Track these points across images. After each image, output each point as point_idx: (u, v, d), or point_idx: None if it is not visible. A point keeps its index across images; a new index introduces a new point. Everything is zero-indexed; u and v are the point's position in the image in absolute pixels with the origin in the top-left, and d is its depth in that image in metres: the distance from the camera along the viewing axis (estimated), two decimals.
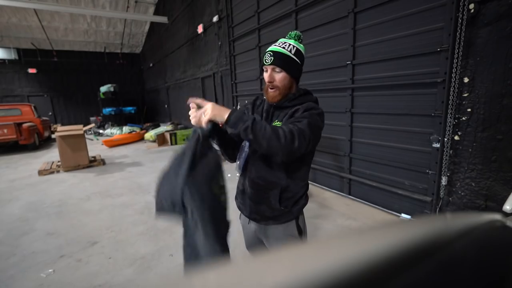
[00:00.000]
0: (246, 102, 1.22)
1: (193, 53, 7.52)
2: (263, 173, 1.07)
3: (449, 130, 2.14)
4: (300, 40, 1.08)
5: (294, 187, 1.09)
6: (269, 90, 1.06)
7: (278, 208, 1.07)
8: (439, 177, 2.26)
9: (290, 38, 1.07)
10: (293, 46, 1.04)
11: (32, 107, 7.91)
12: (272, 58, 1.01)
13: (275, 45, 1.05)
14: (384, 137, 2.72)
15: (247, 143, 1.09)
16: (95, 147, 7.38)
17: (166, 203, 0.85)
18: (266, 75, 1.05)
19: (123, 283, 1.85)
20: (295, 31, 1.08)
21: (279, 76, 1.03)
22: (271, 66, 1.03)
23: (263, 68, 1.06)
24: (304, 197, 1.15)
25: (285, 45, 1.03)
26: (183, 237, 0.89)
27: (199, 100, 0.96)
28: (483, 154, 2.00)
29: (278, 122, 1.06)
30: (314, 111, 1.01)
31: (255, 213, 1.12)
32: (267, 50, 1.04)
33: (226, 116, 0.89)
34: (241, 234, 1.26)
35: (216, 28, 5.88)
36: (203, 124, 0.91)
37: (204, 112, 0.91)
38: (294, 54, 1.03)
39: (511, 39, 1.78)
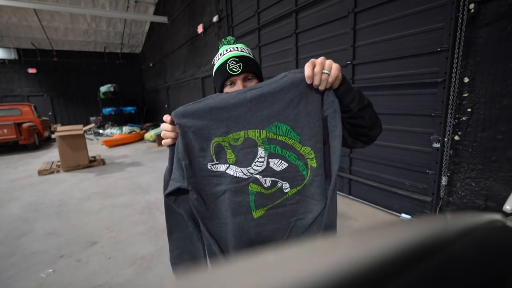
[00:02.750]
0: None
1: (193, 53, 7.53)
2: None
3: (449, 130, 2.14)
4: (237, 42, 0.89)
5: None
6: None
7: None
8: (439, 177, 2.26)
9: (231, 44, 0.86)
10: (246, 49, 0.85)
11: (32, 107, 7.91)
12: (241, 64, 0.78)
13: (231, 51, 0.81)
14: (384, 137, 2.71)
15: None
16: (95, 147, 7.38)
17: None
18: (234, 89, 0.80)
19: (123, 283, 1.85)
20: (230, 37, 0.89)
21: (252, 85, 0.79)
22: (242, 75, 0.79)
23: (226, 82, 0.81)
24: None
25: (241, 49, 0.83)
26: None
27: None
28: (483, 154, 2.00)
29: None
30: None
31: None
32: (225, 58, 0.80)
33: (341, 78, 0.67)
34: None
35: (216, 28, 5.88)
36: (324, 87, 0.66)
37: (324, 67, 0.65)
38: (253, 57, 0.85)
39: (511, 39, 1.78)
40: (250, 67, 0.81)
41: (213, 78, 0.86)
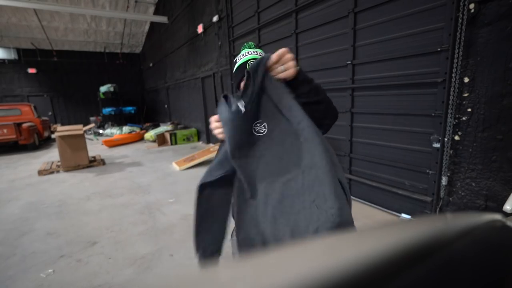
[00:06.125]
0: None
1: (193, 53, 7.53)
2: None
3: (449, 130, 2.14)
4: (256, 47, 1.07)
5: None
6: None
7: None
8: (439, 177, 2.26)
9: (252, 48, 1.04)
10: (263, 53, 1.02)
11: (32, 107, 7.91)
12: None
13: (252, 54, 1.01)
14: (384, 137, 2.72)
15: None
16: (95, 147, 7.38)
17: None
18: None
19: (123, 283, 1.85)
20: (250, 42, 1.08)
21: None
22: None
23: (244, 78, 0.99)
24: None
25: (260, 54, 1.01)
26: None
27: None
28: (483, 154, 2.00)
29: None
30: None
31: None
32: (246, 59, 1.00)
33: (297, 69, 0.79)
34: None
35: (216, 28, 5.88)
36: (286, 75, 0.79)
37: (284, 62, 0.77)
38: None
39: (511, 39, 1.78)
40: None
41: (234, 73, 1.05)
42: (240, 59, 1.02)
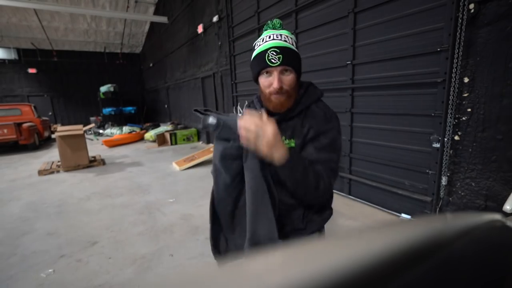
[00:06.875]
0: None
1: (193, 53, 7.52)
2: (282, 196, 0.82)
3: (449, 130, 2.14)
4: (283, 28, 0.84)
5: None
6: (274, 96, 0.78)
7: (301, 225, 0.87)
8: (439, 177, 2.26)
9: (277, 29, 0.81)
10: (290, 37, 0.80)
11: (32, 107, 7.91)
12: (281, 56, 0.74)
13: (274, 40, 0.77)
14: (384, 137, 2.72)
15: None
16: (95, 147, 7.38)
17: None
18: (269, 80, 0.78)
19: (123, 283, 1.85)
20: (276, 19, 0.83)
21: (289, 79, 0.78)
22: (280, 68, 0.76)
23: (263, 71, 0.79)
24: (328, 207, 0.93)
25: (285, 38, 0.78)
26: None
27: (255, 119, 0.67)
28: (483, 154, 2.00)
29: (287, 141, 0.82)
30: (335, 123, 0.83)
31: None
32: (266, 47, 0.77)
33: (280, 158, 0.69)
34: None
35: (216, 28, 5.88)
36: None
37: (259, 138, 0.66)
38: (295, 47, 0.81)
39: (511, 39, 1.78)
40: (290, 61, 0.77)
41: (251, 63, 0.83)
42: (259, 46, 0.79)
